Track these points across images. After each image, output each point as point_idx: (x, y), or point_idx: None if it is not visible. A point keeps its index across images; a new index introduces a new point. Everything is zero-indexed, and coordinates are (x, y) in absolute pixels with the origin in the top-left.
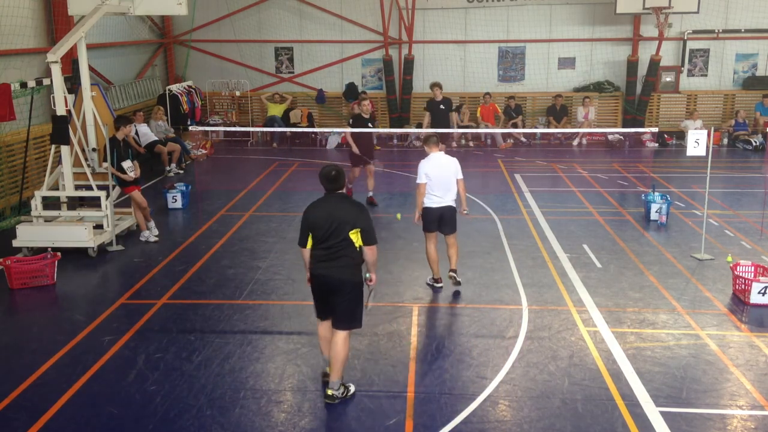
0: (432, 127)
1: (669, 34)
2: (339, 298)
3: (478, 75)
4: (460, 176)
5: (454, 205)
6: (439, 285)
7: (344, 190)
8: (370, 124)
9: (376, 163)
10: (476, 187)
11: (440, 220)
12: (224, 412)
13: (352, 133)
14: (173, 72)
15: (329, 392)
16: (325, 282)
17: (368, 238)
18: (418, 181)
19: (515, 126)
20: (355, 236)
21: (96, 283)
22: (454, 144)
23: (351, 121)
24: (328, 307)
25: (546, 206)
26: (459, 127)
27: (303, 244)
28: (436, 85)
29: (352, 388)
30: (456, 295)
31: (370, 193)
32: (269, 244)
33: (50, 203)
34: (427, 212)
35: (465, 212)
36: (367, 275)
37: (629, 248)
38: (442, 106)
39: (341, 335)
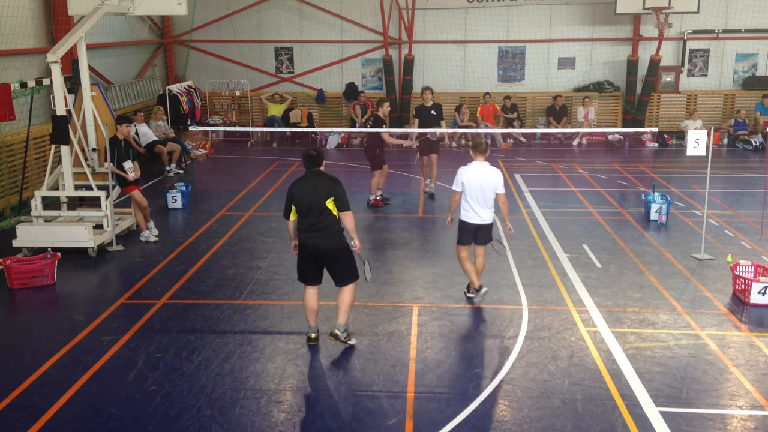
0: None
1: (669, 34)
2: (333, 263)
3: (478, 75)
4: (501, 190)
5: (492, 222)
6: (484, 290)
7: (322, 166)
8: (433, 112)
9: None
10: None
11: (476, 232)
12: (224, 412)
13: (369, 135)
14: (173, 72)
15: (335, 331)
16: (315, 250)
17: (342, 205)
18: (453, 187)
19: (512, 123)
20: (332, 205)
21: (96, 283)
22: (454, 144)
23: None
24: (315, 272)
25: (546, 206)
26: (459, 127)
27: (287, 216)
28: (427, 89)
29: (353, 341)
30: (456, 295)
31: (376, 195)
32: (269, 244)
33: (50, 203)
34: (462, 225)
35: (509, 229)
36: (352, 243)
37: (629, 248)
38: (433, 112)
39: (346, 288)
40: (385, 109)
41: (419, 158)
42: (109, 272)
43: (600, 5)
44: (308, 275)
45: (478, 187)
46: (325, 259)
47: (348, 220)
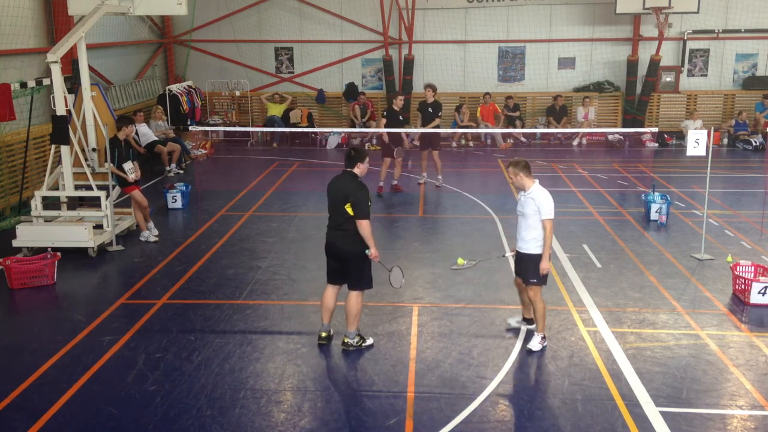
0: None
1: (669, 34)
2: (347, 264)
3: (478, 75)
4: None
5: None
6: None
7: (356, 169)
8: (430, 109)
9: (399, 152)
10: (476, 187)
11: None
12: (224, 412)
13: (385, 126)
14: (173, 72)
15: (345, 340)
16: (332, 248)
17: (357, 212)
18: (550, 215)
19: (514, 123)
20: (350, 210)
21: (96, 283)
22: (454, 144)
23: (384, 113)
24: (337, 271)
25: None
26: (459, 127)
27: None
28: (428, 87)
29: (370, 341)
30: (456, 295)
31: (395, 181)
32: (269, 244)
33: (50, 203)
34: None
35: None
36: (367, 251)
37: (629, 248)
38: (430, 109)
39: (353, 294)
40: (398, 102)
41: (399, 150)
42: (109, 272)
43: (600, 5)
44: (329, 273)
45: None
46: (341, 259)
47: (362, 228)
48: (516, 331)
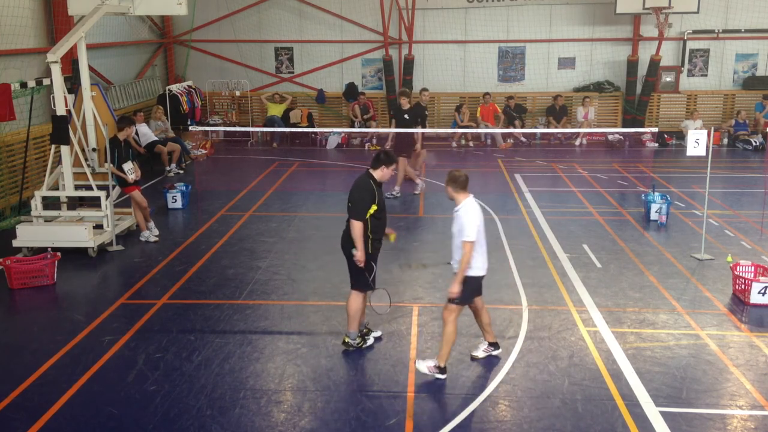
0: (396, 135)
1: (669, 34)
2: (348, 263)
3: (478, 75)
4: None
5: None
6: (444, 376)
7: (376, 171)
8: (406, 116)
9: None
10: (476, 187)
11: (480, 286)
12: (224, 412)
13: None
14: (173, 72)
15: (345, 340)
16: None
17: (350, 211)
18: (470, 237)
19: (513, 123)
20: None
21: (96, 283)
22: (454, 144)
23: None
24: None
25: (546, 206)
26: (459, 127)
27: None
28: (402, 94)
29: (370, 341)
30: None
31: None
32: (269, 244)
33: (50, 203)
34: (473, 281)
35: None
36: (353, 251)
37: (629, 248)
38: (406, 116)
39: (351, 293)
40: (403, 101)
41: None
42: (109, 272)
43: (600, 5)
44: None
45: (482, 229)
46: (345, 256)
47: (353, 228)
48: (516, 331)
